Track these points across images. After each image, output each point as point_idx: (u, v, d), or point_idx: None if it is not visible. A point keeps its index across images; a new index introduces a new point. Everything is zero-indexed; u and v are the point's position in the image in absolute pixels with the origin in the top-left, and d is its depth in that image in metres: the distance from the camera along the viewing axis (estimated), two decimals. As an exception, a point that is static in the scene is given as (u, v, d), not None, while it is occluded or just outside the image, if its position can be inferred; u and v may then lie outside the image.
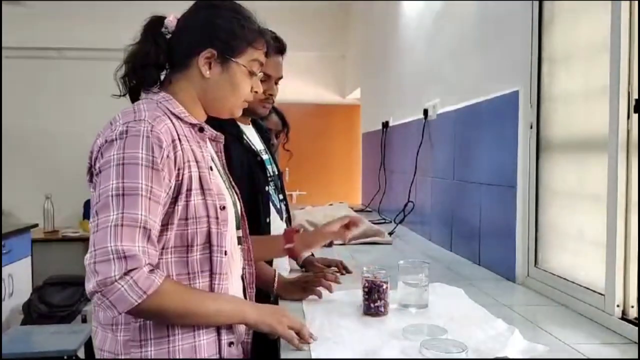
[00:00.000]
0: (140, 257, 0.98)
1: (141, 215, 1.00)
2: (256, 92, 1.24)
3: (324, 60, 5.76)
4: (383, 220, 3.30)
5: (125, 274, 0.96)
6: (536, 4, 1.76)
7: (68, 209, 4.86)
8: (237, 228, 1.25)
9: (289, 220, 1.86)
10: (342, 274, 1.82)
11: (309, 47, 5.48)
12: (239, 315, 1.13)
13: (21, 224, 4.02)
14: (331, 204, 3.74)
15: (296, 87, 5.47)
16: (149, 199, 1.01)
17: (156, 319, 1.06)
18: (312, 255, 1.89)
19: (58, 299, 3.60)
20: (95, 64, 4.78)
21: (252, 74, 1.20)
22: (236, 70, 1.18)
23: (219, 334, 1.13)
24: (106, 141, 1.05)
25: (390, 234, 2.73)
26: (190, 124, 1.16)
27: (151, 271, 1.00)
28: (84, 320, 3.69)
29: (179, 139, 1.10)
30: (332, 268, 1.84)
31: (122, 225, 0.98)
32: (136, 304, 0.97)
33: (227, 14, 1.18)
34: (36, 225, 4.20)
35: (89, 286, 0.97)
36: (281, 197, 1.83)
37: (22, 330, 3.08)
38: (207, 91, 1.18)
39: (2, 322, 3.42)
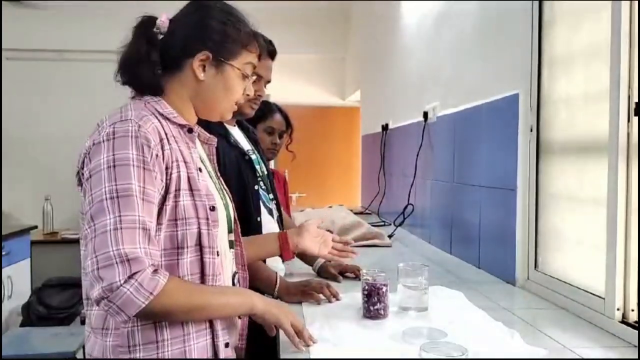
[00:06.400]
0: (144, 259, 0.97)
1: (138, 216, 0.99)
2: (247, 94, 1.23)
3: (324, 62, 5.75)
4: (382, 223, 3.30)
5: (130, 277, 0.95)
6: (536, 5, 1.76)
7: (67, 211, 4.83)
8: (230, 232, 1.24)
9: (280, 220, 1.85)
10: (359, 278, 1.77)
11: (308, 49, 5.48)
12: (247, 305, 1.13)
13: (20, 225, 4.02)
14: (330, 207, 3.74)
15: (296, 89, 5.46)
16: (143, 199, 1.00)
17: (164, 318, 1.05)
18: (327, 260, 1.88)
19: (57, 300, 3.59)
20: (96, 65, 4.76)
21: (245, 76, 1.20)
22: (230, 73, 1.17)
23: (213, 337, 1.11)
24: (94, 143, 1.04)
25: (390, 236, 2.72)
26: (179, 124, 1.15)
27: (155, 271, 0.99)
28: (83, 322, 3.66)
29: (167, 138, 1.08)
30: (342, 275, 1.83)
31: (121, 228, 0.97)
32: (144, 305, 0.96)
33: (221, 16, 1.16)
34: (35, 227, 4.20)
35: (94, 294, 0.95)
36: (271, 196, 1.82)
37: (21, 332, 3.07)
38: (200, 93, 1.17)
39: (1, 324, 3.42)
